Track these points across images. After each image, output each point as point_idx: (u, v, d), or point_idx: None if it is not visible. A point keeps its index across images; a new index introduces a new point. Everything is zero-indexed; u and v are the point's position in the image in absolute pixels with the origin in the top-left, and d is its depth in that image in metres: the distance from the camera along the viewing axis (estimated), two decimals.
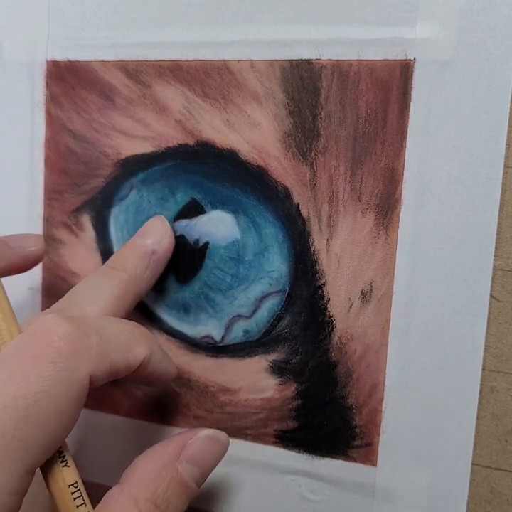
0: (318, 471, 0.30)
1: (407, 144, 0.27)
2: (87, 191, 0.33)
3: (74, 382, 0.22)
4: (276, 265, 0.30)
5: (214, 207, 0.31)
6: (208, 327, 0.31)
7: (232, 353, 0.31)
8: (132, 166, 0.32)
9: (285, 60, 0.29)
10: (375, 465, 0.29)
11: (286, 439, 0.31)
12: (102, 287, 0.28)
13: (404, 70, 0.27)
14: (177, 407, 0.33)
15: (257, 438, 0.31)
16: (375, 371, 0.29)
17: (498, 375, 0.27)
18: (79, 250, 0.34)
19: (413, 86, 0.27)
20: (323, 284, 0.29)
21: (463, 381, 0.27)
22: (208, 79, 0.30)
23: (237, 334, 0.31)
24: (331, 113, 0.28)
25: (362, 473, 0.29)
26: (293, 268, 0.30)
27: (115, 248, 0.33)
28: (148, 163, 0.32)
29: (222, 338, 0.31)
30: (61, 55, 0.33)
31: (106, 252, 0.33)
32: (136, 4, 0.31)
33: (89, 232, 0.33)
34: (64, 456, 0.24)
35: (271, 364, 0.31)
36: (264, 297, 0.30)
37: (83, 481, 0.35)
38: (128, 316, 0.28)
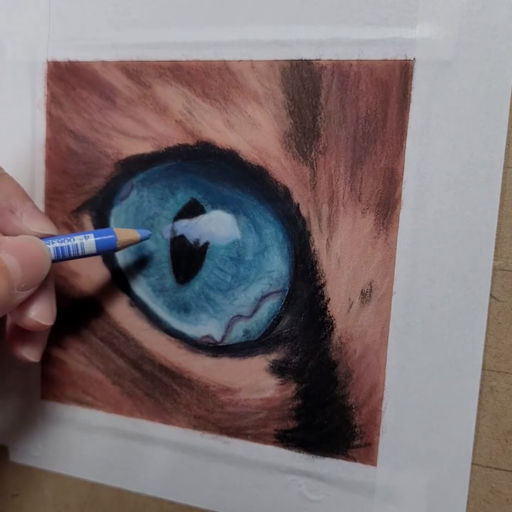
0: (318, 471, 0.30)
1: (407, 144, 0.27)
2: (88, 191, 0.33)
3: None
4: (277, 265, 0.30)
5: (214, 207, 0.31)
6: (208, 327, 0.32)
7: (233, 353, 0.31)
8: (132, 166, 0.32)
9: (285, 61, 0.29)
10: (375, 465, 0.29)
11: (286, 439, 0.31)
12: None
13: (404, 70, 0.27)
14: (178, 406, 0.33)
15: (257, 438, 0.31)
16: (375, 371, 0.29)
17: (498, 374, 0.27)
18: None
19: (413, 86, 0.27)
20: (323, 284, 0.29)
21: (463, 381, 0.27)
22: (208, 79, 0.30)
23: (237, 334, 0.31)
24: (331, 113, 0.28)
25: (362, 473, 0.29)
26: (293, 268, 0.30)
27: None
28: (148, 163, 0.32)
29: (223, 338, 0.31)
30: (62, 56, 0.33)
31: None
32: (136, 4, 0.31)
33: None
34: None
35: (271, 364, 0.31)
36: (264, 297, 0.30)
37: (84, 481, 0.35)
38: None
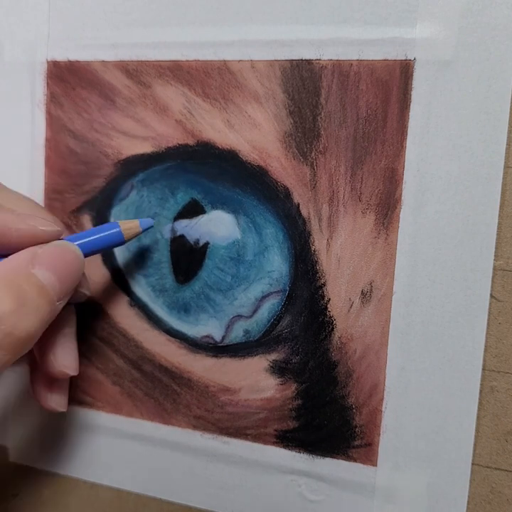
0: (318, 471, 0.30)
1: (407, 144, 0.27)
2: (88, 191, 0.33)
3: None
4: (277, 265, 0.30)
5: (214, 207, 0.31)
6: (208, 327, 0.31)
7: (233, 353, 0.31)
8: (132, 166, 0.32)
9: (285, 60, 0.29)
10: (375, 465, 0.29)
11: (286, 439, 0.31)
12: None
13: (405, 70, 0.27)
14: (178, 407, 0.33)
15: (258, 438, 0.31)
16: (376, 371, 0.29)
17: (498, 374, 0.27)
18: None
19: (413, 86, 0.27)
20: (324, 284, 0.29)
21: (463, 381, 0.27)
22: (208, 79, 0.30)
23: (237, 334, 0.31)
24: (331, 113, 0.28)
25: (362, 473, 0.29)
26: (293, 268, 0.30)
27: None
28: (148, 163, 0.32)
29: (223, 338, 0.31)
30: (61, 55, 0.33)
31: (106, 252, 0.33)
32: (136, 4, 0.31)
33: None
34: None
35: (271, 364, 0.31)
36: (264, 297, 0.30)
37: (84, 481, 0.35)
38: None
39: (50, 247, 0.27)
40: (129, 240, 0.30)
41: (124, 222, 0.30)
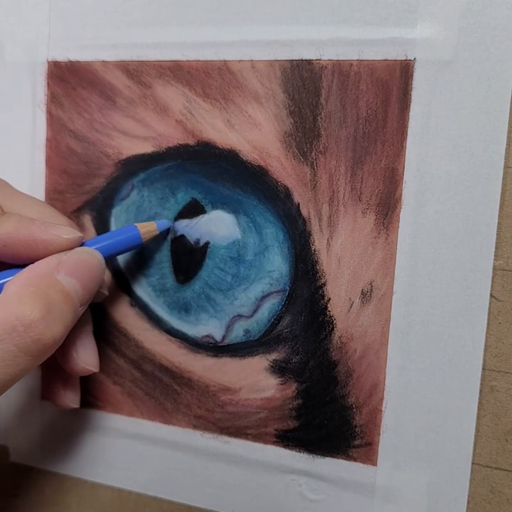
0: (318, 471, 0.30)
1: (407, 144, 0.27)
2: (88, 191, 0.33)
3: None
4: (277, 265, 0.30)
5: (215, 207, 0.31)
6: (208, 327, 0.32)
7: (233, 353, 0.31)
8: (133, 166, 0.32)
9: (286, 60, 0.29)
10: (375, 464, 0.29)
11: (286, 439, 0.31)
12: None
13: (405, 70, 0.27)
14: (178, 406, 0.33)
15: (258, 437, 0.31)
16: (376, 371, 0.29)
17: (498, 374, 0.27)
18: None
19: (413, 86, 0.27)
20: (324, 284, 0.29)
21: (463, 381, 0.27)
22: (208, 79, 0.30)
23: (237, 334, 0.31)
24: (331, 113, 0.28)
25: (362, 473, 0.29)
26: (293, 268, 0.30)
27: None
28: (148, 163, 0.32)
29: (223, 337, 0.31)
30: (62, 56, 0.33)
31: None
32: (136, 4, 0.31)
33: (90, 232, 0.34)
34: None
35: (271, 364, 0.31)
36: (264, 297, 0.30)
37: (84, 481, 0.35)
38: None
39: (73, 254, 0.27)
40: (146, 242, 0.30)
41: (142, 225, 0.30)
